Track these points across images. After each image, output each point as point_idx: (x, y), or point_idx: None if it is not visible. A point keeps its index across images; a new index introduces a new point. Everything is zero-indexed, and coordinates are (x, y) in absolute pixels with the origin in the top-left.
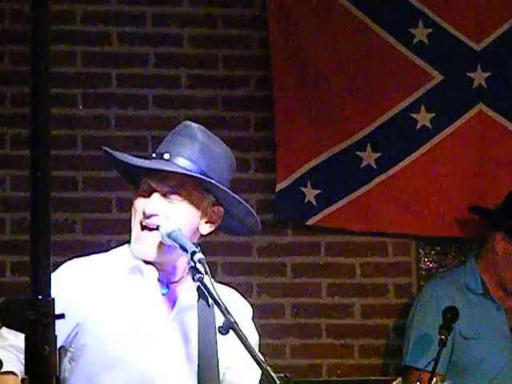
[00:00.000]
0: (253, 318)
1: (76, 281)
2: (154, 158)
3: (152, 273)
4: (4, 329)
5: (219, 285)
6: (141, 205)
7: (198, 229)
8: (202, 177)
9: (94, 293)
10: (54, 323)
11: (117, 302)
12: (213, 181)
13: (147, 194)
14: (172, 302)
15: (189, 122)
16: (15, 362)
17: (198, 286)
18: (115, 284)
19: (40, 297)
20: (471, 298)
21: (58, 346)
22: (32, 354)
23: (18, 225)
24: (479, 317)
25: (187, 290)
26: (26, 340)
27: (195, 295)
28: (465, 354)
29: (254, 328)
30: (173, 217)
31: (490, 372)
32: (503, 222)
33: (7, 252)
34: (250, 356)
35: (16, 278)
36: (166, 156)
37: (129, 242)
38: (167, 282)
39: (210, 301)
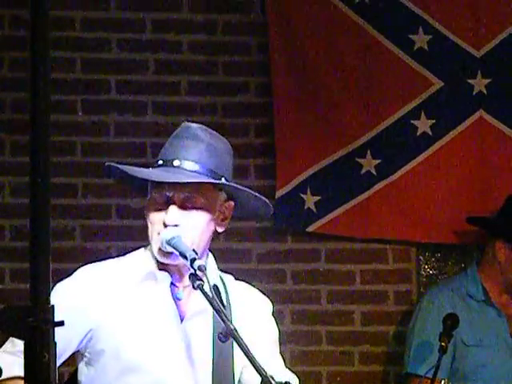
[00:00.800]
0: (273, 313)
1: (89, 287)
2: (162, 165)
3: (165, 278)
4: (8, 342)
5: (238, 282)
6: (157, 216)
7: (215, 230)
8: (217, 181)
9: (108, 299)
10: (54, 330)
11: (131, 308)
12: (224, 181)
13: (164, 205)
14: (186, 305)
15: (189, 123)
16: None
17: (213, 287)
18: (129, 290)
19: (39, 304)
20: (472, 305)
21: (74, 350)
22: (31, 361)
23: (18, 231)
24: (480, 323)
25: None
26: (26, 347)
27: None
28: (466, 360)
29: (273, 323)
30: (192, 224)
31: (491, 379)
32: (502, 230)
33: (6, 259)
34: (249, 362)
35: (15, 285)
36: (176, 163)
37: (144, 246)
38: (183, 285)
39: (225, 303)
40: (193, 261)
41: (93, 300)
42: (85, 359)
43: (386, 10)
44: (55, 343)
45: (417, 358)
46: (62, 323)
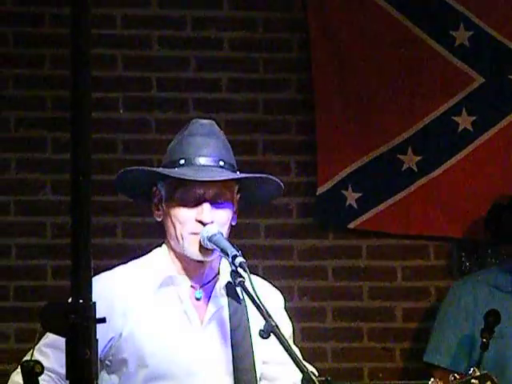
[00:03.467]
0: (285, 308)
1: (107, 296)
2: (185, 164)
3: (185, 282)
4: (34, 351)
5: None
6: (188, 215)
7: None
8: (250, 175)
9: (128, 307)
10: (95, 327)
11: (152, 315)
12: (238, 172)
13: (192, 203)
14: (206, 304)
15: (200, 120)
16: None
17: (228, 284)
18: (148, 297)
19: (81, 301)
20: (497, 296)
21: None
22: (73, 358)
23: (59, 229)
24: (505, 315)
25: (219, 289)
26: (67, 344)
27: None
28: (488, 352)
29: (287, 318)
30: (223, 221)
31: None
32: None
33: (48, 256)
34: (291, 359)
35: (57, 282)
36: (202, 160)
37: (157, 246)
38: (200, 284)
39: (241, 297)
40: (234, 257)
41: (111, 309)
42: (106, 367)
43: (427, 6)
44: (97, 340)
45: (434, 347)
46: (103, 320)
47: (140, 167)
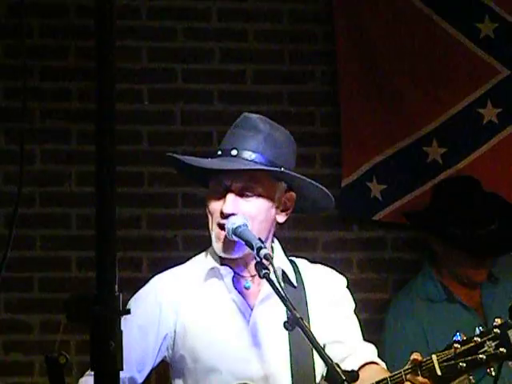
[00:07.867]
0: (348, 287)
1: (157, 297)
2: (220, 155)
3: (228, 272)
4: (83, 380)
5: (312, 264)
6: (216, 206)
7: (275, 219)
8: (273, 168)
9: (178, 303)
10: (120, 319)
11: (199, 309)
12: (282, 169)
13: (221, 194)
14: (256, 293)
15: (249, 114)
16: None
17: (277, 272)
18: (195, 292)
19: (105, 292)
20: (437, 308)
21: (159, 360)
22: (97, 350)
23: (84, 220)
24: (450, 326)
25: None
26: (92, 335)
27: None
28: None
29: (349, 296)
30: (250, 213)
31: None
32: (430, 225)
33: (73, 247)
34: (316, 351)
35: (82, 273)
36: (234, 152)
37: (203, 250)
38: (250, 275)
39: (296, 283)
40: (259, 249)
41: (163, 308)
42: (174, 373)
43: None
44: (121, 331)
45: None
46: (128, 311)
47: (173, 155)
